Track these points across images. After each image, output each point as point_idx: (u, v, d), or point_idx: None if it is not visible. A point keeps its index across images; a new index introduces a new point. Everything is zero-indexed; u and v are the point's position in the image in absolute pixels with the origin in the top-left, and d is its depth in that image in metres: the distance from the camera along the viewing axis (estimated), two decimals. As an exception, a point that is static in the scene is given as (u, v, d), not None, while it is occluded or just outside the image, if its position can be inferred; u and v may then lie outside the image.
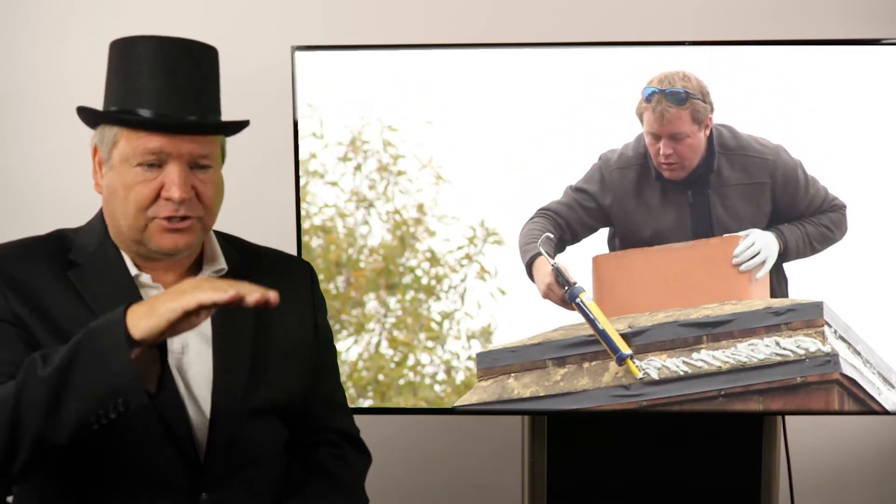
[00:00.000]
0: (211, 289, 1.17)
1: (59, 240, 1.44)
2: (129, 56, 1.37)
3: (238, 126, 1.44)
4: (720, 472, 2.07)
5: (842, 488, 2.51)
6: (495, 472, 2.46)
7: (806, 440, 2.40)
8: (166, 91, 1.35)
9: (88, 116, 1.39)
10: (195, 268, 1.47)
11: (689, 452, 2.07)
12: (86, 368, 1.17)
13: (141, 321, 1.17)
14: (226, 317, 1.42)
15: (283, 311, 1.49)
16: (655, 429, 2.07)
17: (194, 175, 1.37)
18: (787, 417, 2.03)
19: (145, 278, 1.41)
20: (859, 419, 2.46)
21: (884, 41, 1.93)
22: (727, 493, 2.08)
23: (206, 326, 1.42)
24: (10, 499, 1.43)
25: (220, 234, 1.53)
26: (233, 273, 1.45)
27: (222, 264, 1.47)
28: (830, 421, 2.45)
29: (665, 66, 1.94)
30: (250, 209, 2.21)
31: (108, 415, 1.18)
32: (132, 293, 1.38)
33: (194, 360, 1.40)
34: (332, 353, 1.64)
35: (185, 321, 1.18)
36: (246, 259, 1.52)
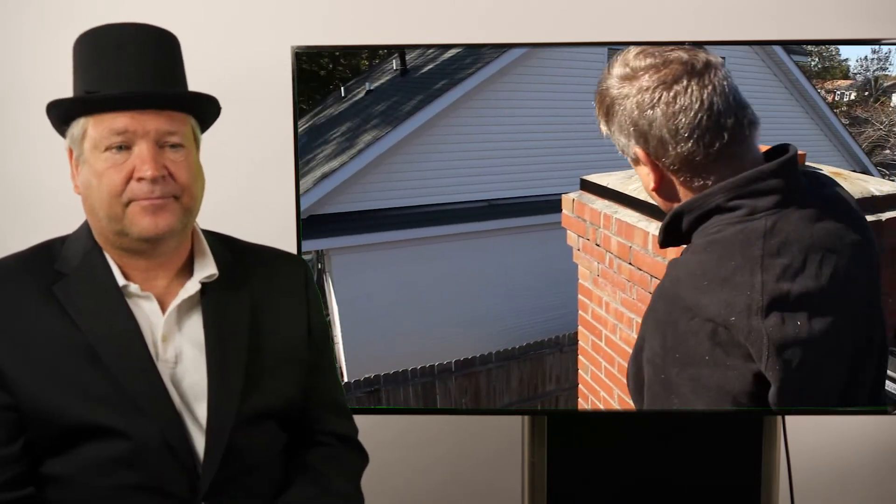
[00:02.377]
0: None
1: (46, 250, 1.41)
2: (89, 45, 1.36)
3: (203, 101, 1.39)
4: (720, 472, 2.07)
5: (842, 488, 2.51)
6: (495, 473, 2.45)
7: (806, 440, 2.39)
8: (127, 70, 1.32)
9: (55, 111, 1.36)
10: (186, 271, 1.43)
11: (689, 452, 2.07)
12: None
13: None
14: (219, 324, 1.40)
15: (276, 313, 1.47)
16: (655, 429, 2.07)
17: (165, 155, 1.33)
18: (787, 417, 2.03)
19: (134, 288, 1.37)
20: (859, 419, 2.46)
21: (884, 41, 1.93)
22: (727, 493, 2.07)
23: (199, 335, 1.40)
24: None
25: (212, 235, 1.50)
26: (225, 274, 1.43)
27: (213, 269, 1.42)
28: (830, 421, 2.45)
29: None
30: (250, 209, 2.21)
31: None
32: (119, 306, 1.36)
33: (188, 370, 1.38)
34: (328, 352, 1.59)
35: None
36: (238, 259, 1.48)
